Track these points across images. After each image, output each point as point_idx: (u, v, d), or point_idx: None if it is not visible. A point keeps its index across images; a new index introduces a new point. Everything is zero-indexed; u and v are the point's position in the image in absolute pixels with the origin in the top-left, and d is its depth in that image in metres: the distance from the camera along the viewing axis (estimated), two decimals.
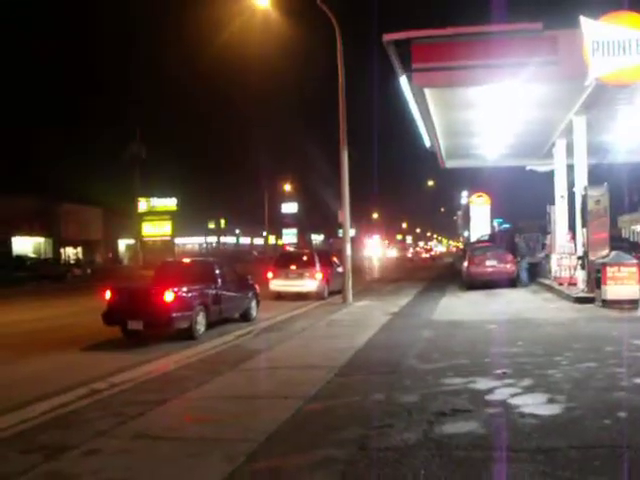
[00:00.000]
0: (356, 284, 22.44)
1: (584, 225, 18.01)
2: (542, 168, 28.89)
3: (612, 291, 15.89)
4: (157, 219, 70.11)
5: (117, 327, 14.13)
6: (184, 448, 6.14)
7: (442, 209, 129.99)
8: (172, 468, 5.65)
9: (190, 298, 14.26)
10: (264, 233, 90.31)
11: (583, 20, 14.34)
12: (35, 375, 10.59)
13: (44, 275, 39.85)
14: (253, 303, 17.81)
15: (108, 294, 14.27)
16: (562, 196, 23.04)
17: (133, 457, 5.97)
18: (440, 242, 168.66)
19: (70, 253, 62.30)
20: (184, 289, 14.21)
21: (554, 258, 22.24)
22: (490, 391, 7.73)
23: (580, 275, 18.74)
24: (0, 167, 42.83)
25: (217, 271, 16.16)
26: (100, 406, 8.03)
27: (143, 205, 69.44)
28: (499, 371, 8.79)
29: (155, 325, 13.77)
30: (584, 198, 17.88)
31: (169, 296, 13.56)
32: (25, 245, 54.32)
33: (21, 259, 43.75)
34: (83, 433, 6.75)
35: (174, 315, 13.52)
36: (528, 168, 30.84)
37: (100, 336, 14.19)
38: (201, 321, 14.52)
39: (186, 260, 19.89)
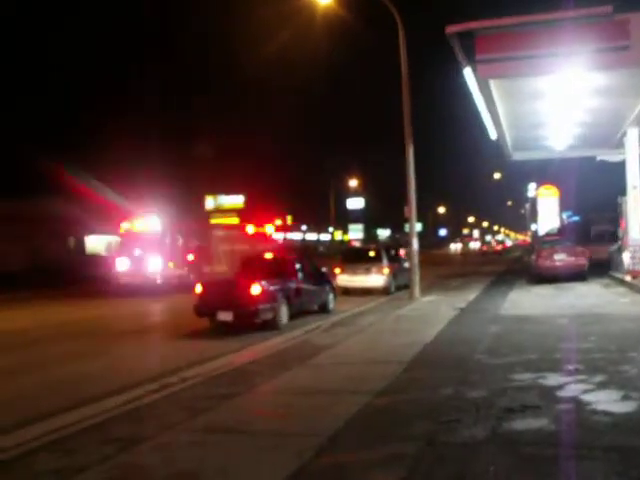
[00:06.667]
0: (423, 279, 22.30)
1: None
2: (613, 158, 28.06)
3: None
4: (224, 216, 70.88)
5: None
6: (253, 442, 6.22)
7: (509, 202, 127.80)
8: (242, 461, 5.73)
9: (274, 291, 15.10)
10: (330, 229, 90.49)
11: None
12: (117, 366, 10.93)
13: None
14: (330, 296, 18.59)
15: (199, 288, 15.30)
16: (635, 186, 22.38)
17: (204, 450, 6.07)
18: (507, 236, 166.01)
19: None
20: (269, 282, 15.05)
21: (627, 251, 21.65)
22: (561, 387, 7.60)
23: None
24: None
25: (297, 265, 17.13)
26: (172, 399, 8.23)
27: (210, 203, 70.26)
28: (570, 367, 8.63)
29: (243, 316, 14.45)
30: None
31: (256, 289, 14.47)
32: (99, 243, 55.48)
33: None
34: (155, 426, 6.91)
35: (261, 307, 14.36)
36: (599, 159, 30.03)
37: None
38: (284, 312, 15.28)
39: (268, 255, 20.46)
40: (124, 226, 28.78)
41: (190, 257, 28.51)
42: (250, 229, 35.07)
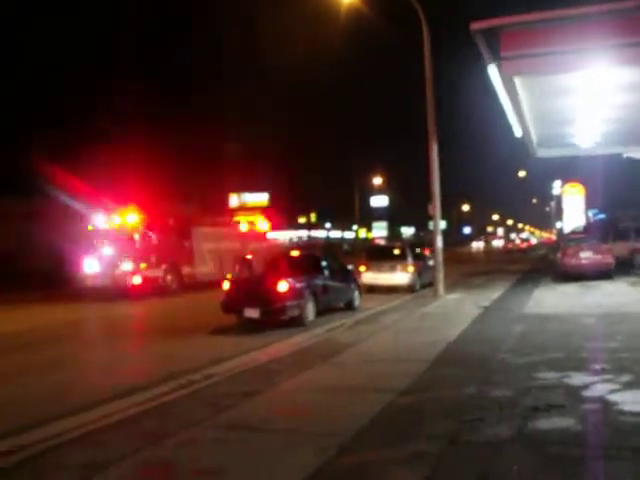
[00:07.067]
0: (447, 277, 22.21)
1: None
2: None
3: None
4: (248, 214, 71.08)
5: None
6: (276, 440, 6.22)
7: (534, 200, 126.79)
8: (265, 459, 5.74)
9: (301, 288, 15.23)
10: (354, 227, 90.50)
11: None
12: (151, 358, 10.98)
13: None
14: (356, 293, 18.67)
15: (226, 285, 15.47)
16: None
17: (228, 447, 6.09)
18: (532, 233, 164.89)
19: None
20: (296, 279, 15.15)
21: None
22: (587, 387, 7.51)
23: None
24: None
25: (324, 263, 17.23)
26: (196, 396, 8.27)
27: (234, 200, 70.56)
28: (596, 366, 8.53)
29: (270, 313, 14.58)
30: None
31: (283, 286, 14.61)
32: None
33: None
34: (180, 422, 6.96)
35: (288, 304, 14.54)
36: (625, 156, 29.69)
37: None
38: (310, 309, 15.43)
39: (294, 253, 20.58)
40: (92, 222, 26.58)
41: (167, 257, 26.58)
42: (243, 226, 33.34)
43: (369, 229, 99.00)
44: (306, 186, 75.50)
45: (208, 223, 31.05)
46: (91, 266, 25.35)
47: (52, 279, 29.37)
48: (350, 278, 18.82)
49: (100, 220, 26.34)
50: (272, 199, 71.10)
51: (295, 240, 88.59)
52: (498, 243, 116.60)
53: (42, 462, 5.95)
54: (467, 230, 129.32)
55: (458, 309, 16.73)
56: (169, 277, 26.56)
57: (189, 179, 46.24)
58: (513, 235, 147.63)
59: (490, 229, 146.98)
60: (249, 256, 30.35)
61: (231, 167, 61.96)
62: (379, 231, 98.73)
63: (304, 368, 9.66)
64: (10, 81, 40.56)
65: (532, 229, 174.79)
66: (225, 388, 8.61)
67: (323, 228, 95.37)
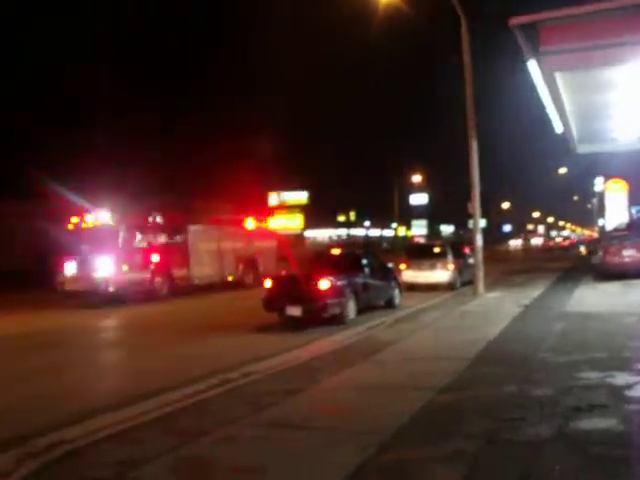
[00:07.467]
0: (487, 275, 22.06)
1: None
2: None
3: None
4: (288, 212, 71.20)
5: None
6: (316, 437, 6.26)
7: (575, 197, 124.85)
8: (305, 457, 5.78)
9: (342, 286, 15.28)
10: (393, 225, 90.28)
11: None
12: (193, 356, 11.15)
13: None
14: (396, 291, 18.74)
15: (268, 283, 15.59)
16: None
17: (267, 445, 6.14)
18: (573, 231, 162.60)
19: None
20: (337, 278, 15.23)
21: None
22: (630, 387, 7.40)
23: None
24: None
25: (364, 261, 17.28)
26: (235, 394, 8.33)
27: (274, 199, 70.79)
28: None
29: (311, 311, 14.67)
30: None
31: (325, 284, 14.69)
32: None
33: None
34: (219, 419, 7.02)
35: (329, 302, 14.61)
36: None
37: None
38: (351, 307, 15.50)
39: (335, 251, 20.65)
40: (72, 221, 24.10)
41: (155, 258, 24.27)
42: (249, 224, 30.61)
43: (408, 227, 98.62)
44: (346, 184, 75.43)
45: (207, 221, 28.60)
46: (68, 268, 23.22)
47: (29, 282, 28.14)
48: (390, 276, 18.91)
49: (81, 218, 23.95)
50: (311, 197, 71.17)
51: (334, 238, 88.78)
52: (537, 241, 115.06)
53: (80, 458, 6.04)
54: (507, 228, 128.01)
55: (498, 307, 16.62)
56: (158, 280, 24.24)
57: (227, 178, 46.38)
58: (554, 233, 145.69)
59: (530, 227, 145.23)
60: (254, 256, 29.78)
61: (271, 165, 62.21)
62: (418, 229, 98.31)
63: (345, 366, 9.70)
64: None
65: (573, 227, 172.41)
66: (266, 386, 8.67)
67: (362, 226, 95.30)
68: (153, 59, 51.50)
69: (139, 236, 23.99)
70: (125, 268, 22.84)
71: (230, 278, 28.47)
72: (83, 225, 23.80)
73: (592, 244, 46.83)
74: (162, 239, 25.18)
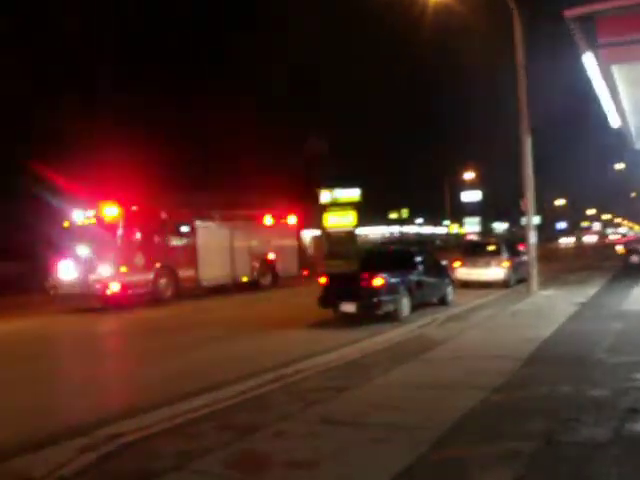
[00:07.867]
0: (540, 273, 21.74)
1: None
2: None
3: None
4: (340, 210, 71.11)
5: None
6: (368, 434, 6.28)
7: (633, 194, 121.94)
8: (357, 453, 5.80)
9: (396, 283, 15.36)
10: (446, 222, 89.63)
11: None
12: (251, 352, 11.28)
13: None
14: (449, 288, 18.75)
15: (323, 280, 15.71)
16: None
17: (320, 440, 6.18)
18: (631, 228, 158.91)
19: None
20: (391, 275, 15.29)
21: None
22: None
23: None
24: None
25: (418, 258, 17.26)
26: (288, 390, 8.39)
27: (326, 196, 70.79)
28: None
29: (366, 308, 14.79)
30: None
31: (379, 281, 14.74)
32: None
33: None
34: (272, 415, 7.10)
35: (383, 299, 14.68)
36: None
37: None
38: (405, 305, 15.54)
39: (389, 248, 20.63)
40: (68, 219, 22.26)
41: (158, 258, 22.36)
42: (268, 220, 27.95)
43: (461, 224, 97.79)
44: (398, 181, 75.25)
45: (219, 217, 25.69)
46: (63, 270, 21.47)
47: (24, 284, 26.94)
48: (444, 274, 18.89)
49: (79, 215, 22.06)
50: (364, 195, 71.00)
51: (387, 235, 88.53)
52: (590, 239, 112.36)
53: (136, 450, 6.18)
54: (562, 225, 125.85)
55: (553, 306, 16.38)
56: (162, 282, 22.30)
57: (276, 174, 46.37)
58: (609, 230, 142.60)
59: (585, 224, 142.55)
60: (271, 255, 27.65)
61: (323, 162, 62.36)
62: (471, 226, 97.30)
63: (397, 363, 9.70)
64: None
65: (630, 224, 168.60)
66: (319, 382, 8.72)
67: (414, 224, 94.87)
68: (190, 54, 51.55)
69: (140, 233, 22.05)
70: (124, 269, 21.10)
71: (245, 279, 26.36)
72: (79, 223, 22.01)
73: (631, 243, 45.86)
74: (166, 236, 23.14)
